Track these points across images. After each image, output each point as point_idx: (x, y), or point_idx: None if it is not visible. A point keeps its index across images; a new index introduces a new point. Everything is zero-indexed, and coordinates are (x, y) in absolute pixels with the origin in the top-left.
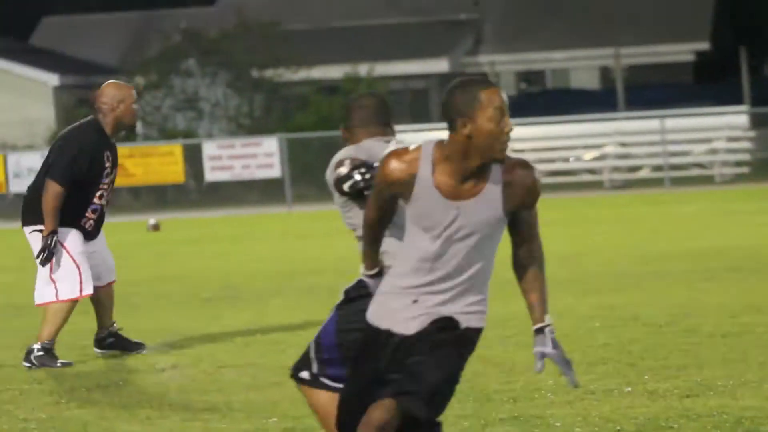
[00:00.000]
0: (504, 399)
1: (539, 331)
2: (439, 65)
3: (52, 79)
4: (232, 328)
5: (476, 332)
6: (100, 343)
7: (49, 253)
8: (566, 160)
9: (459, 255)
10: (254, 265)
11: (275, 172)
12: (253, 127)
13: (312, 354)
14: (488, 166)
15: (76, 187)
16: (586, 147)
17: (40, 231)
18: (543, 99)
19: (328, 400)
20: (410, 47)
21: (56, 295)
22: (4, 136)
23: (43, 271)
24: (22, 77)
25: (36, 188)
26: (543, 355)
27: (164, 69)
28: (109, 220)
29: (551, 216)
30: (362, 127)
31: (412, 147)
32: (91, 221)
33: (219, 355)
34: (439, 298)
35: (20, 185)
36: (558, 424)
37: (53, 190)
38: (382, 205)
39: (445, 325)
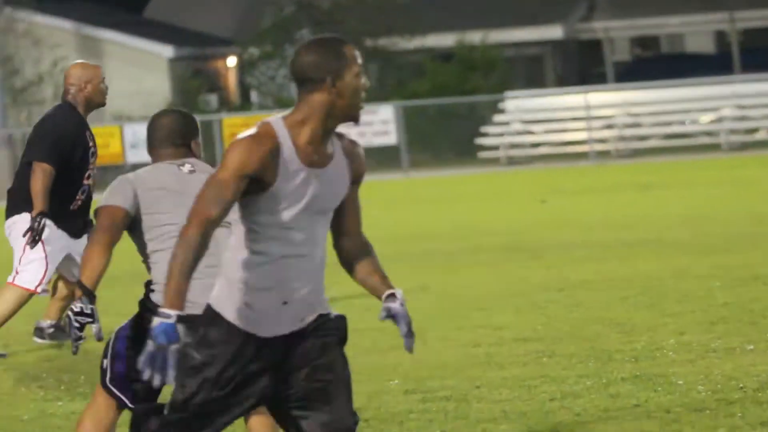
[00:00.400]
0: (625, 358)
1: (390, 295)
2: (554, 32)
3: (167, 50)
4: (353, 293)
5: (344, 319)
6: (41, 332)
7: (36, 235)
8: (682, 123)
9: (315, 236)
10: (371, 231)
11: (391, 139)
12: (368, 95)
13: (110, 343)
14: (331, 135)
15: (66, 172)
16: (703, 110)
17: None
18: (657, 64)
19: (103, 405)
20: (524, 14)
21: (14, 279)
22: (120, 108)
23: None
24: (138, 49)
25: (21, 180)
26: (389, 311)
27: (278, 39)
28: None
29: (669, 179)
30: (160, 148)
31: (251, 130)
32: (79, 201)
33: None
34: (304, 290)
35: (137, 156)
36: (680, 382)
37: (41, 169)
38: (232, 200)
39: (324, 323)
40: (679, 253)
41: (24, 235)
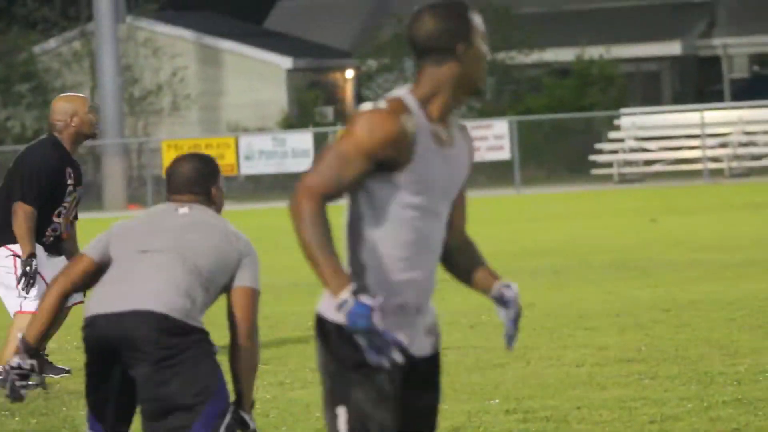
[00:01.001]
0: (728, 381)
1: (505, 285)
2: (672, 48)
3: (286, 62)
4: (458, 310)
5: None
6: None
7: (30, 279)
8: None
9: (440, 229)
10: (481, 247)
11: (505, 154)
12: (484, 109)
13: None
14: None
15: (40, 208)
16: None
17: (10, 255)
18: None
19: None
20: (643, 30)
21: (21, 307)
22: (236, 119)
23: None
24: (256, 60)
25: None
26: (504, 296)
27: (397, 52)
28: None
29: None
30: (175, 194)
31: (380, 103)
32: (51, 238)
33: (443, 336)
34: (426, 298)
35: (251, 168)
36: None
37: (23, 211)
38: (353, 178)
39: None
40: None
41: (19, 282)
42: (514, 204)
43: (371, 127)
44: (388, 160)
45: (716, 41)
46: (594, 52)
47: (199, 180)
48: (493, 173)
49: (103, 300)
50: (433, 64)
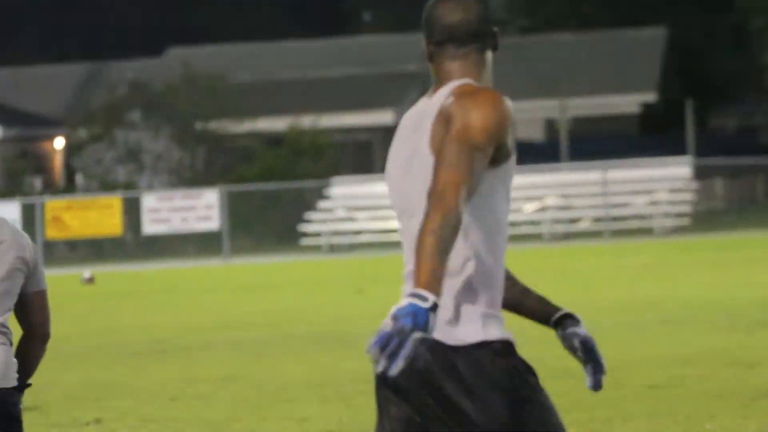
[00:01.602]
0: None
1: (569, 317)
2: (384, 117)
3: None
4: (159, 383)
5: None
6: None
7: None
8: None
9: None
10: (185, 318)
11: (214, 224)
12: (195, 179)
13: None
14: None
15: None
16: (528, 199)
17: None
18: None
19: None
20: (356, 99)
21: None
22: None
23: None
24: None
25: None
26: (581, 337)
27: (108, 121)
28: (45, 273)
29: None
30: None
31: (474, 88)
32: None
33: (144, 409)
34: None
35: None
36: None
37: None
38: (478, 175)
39: None
40: None
41: None
42: (222, 274)
43: (496, 110)
44: (501, 148)
45: None
46: (307, 121)
47: None
48: (202, 243)
49: None
50: (478, 51)
